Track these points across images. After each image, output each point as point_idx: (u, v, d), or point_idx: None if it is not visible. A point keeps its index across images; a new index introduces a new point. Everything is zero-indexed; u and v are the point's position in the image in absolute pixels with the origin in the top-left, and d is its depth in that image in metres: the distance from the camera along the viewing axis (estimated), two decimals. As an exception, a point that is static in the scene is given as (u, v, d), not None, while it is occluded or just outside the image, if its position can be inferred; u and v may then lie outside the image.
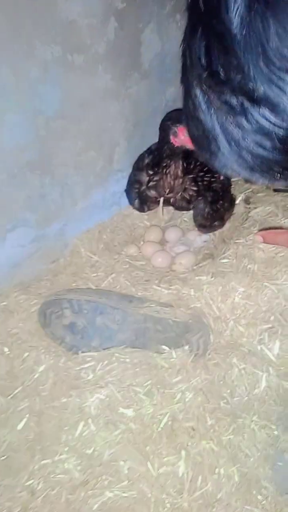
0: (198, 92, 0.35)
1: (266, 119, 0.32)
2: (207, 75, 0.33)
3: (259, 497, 0.75)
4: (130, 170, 1.25)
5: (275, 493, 0.76)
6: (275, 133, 0.33)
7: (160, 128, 1.08)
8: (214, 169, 0.40)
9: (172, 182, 1.11)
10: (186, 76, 0.37)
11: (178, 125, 1.02)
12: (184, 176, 1.10)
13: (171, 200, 1.15)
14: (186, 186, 1.10)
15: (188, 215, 1.32)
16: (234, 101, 0.33)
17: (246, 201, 1.33)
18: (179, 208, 1.16)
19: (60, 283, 1.11)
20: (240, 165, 0.37)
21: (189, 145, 0.98)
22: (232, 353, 0.95)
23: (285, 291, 1.02)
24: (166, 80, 1.28)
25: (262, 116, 0.32)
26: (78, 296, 0.95)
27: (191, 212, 1.32)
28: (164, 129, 1.05)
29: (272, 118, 0.32)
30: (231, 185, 1.23)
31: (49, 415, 0.83)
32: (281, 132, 0.33)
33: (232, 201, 1.21)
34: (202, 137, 0.38)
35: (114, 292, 1.03)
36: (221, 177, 1.13)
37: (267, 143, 0.34)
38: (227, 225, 1.27)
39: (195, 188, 1.10)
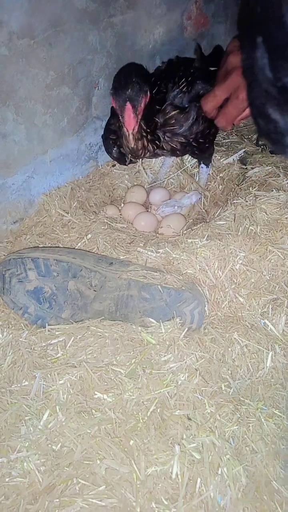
0: (270, 109, 0.40)
1: None
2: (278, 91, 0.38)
3: (272, 504, 0.60)
4: (110, 118, 1.07)
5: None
6: None
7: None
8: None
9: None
10: (253, 89, 0.41)
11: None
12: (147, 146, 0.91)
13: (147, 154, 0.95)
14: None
15: (174, 175, 1.16)
16: None
17: (242, 161, 1.18)
18: (156, 155, 0.98)
19: (24, 245, 0.92)
20: None
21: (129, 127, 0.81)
22: (231, 327, 0.81)
23: (292, 258, 0.88)
24: (155, 17, 1.11)
25: None
26: (45, 254, 0.77)
27: (178, 172, 1.17)
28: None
29: None
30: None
31: (5, 402, 0.68)
32: None
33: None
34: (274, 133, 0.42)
35: (91, 252, 0.85)
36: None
37: None
38: (220, 187, 1.11)
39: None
